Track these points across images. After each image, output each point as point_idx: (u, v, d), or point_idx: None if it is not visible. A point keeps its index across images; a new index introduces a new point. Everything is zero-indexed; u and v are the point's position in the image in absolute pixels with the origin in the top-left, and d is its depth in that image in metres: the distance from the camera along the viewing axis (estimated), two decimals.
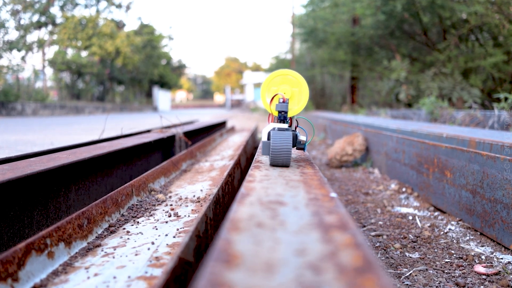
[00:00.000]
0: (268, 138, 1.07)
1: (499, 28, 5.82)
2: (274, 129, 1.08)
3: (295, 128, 1.17)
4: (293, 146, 1.08)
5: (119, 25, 18.29)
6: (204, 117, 10.71)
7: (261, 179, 0.84)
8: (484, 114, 3.45)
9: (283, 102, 1.10)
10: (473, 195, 1.61)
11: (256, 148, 3.23)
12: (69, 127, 5.16)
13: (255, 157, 1.20)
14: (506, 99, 3.24)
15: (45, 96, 12.08)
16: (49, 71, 16.35)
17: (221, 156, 2.52)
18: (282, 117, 1.08)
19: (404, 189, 2.26)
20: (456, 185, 1.75)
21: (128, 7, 16.63)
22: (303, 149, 1.12)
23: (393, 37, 8.27)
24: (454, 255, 1.38)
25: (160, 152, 2.49)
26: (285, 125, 1.08)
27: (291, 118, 1.16)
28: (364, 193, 2.25)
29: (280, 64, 16.49)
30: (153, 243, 1.00)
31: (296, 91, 1.13)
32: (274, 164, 1.02)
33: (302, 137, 1.11)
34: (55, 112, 10.76)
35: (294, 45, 16.60)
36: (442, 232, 1.59)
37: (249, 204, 0.64)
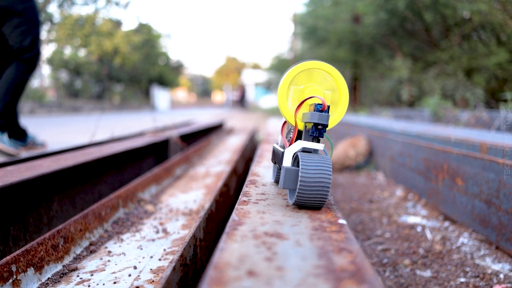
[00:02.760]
0: (294, 164, 0.72)
1: (502, 27, 5.71)
2: (303, 150, 0.73)
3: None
4: None
5: (118, 24, 18.16)
6: (202, 116, 10.61)
7: (256, 200, 0.72)
8: (490, 115, 3.33)
9: (323, 110, 0.71)
10: (488, 206, 1.50)
11: (254, 150, 3.10)
12: (65, 127, 5.05)
13: (251, 169, 1.06)
14: None
15: (42, 95, 11.97)
16: (47, 70, 16.23)
17: (218, 160, 2.41)
18: (318, 132, 0.71)
19: (411, 196, 2.15)
20: (468, 193, 1.63)
21: (126, 5, 16.48)
22: None
23: (395, 36, 8.15)
24: (470, 273, 1.26)
25: (153, 157, 2.38)
26: (321, 146, 0.72)
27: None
28: (369, 200, 2.14)
29: (280, 64, 16.35)
30: (135, 267, 0.89)
31: (329, 93, 0.76)
32: (301, 205, 0.69)
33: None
34: (53, 111, 10.67)
35: (295, 44, 16.47)
36: (454, 246, 1.48)
37: (240, 238, 0.52)
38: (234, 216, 0.60)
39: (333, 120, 0.78)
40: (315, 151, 0.73)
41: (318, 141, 0.73)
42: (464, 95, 5.75)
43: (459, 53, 6.53)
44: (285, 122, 0.86)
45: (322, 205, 0.70)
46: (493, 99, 5.80)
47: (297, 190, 0.66)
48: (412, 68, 7.23)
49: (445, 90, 6.01)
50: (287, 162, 0.72)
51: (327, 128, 0.73)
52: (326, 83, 0.78)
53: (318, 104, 0.71)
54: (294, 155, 0.72)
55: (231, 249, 0.48)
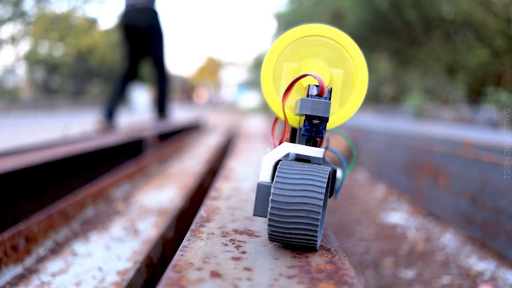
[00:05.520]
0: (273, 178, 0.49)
1: (484, 26, 5.79)
2: (297, 159, 0.49)
3: (324, 153, 0.56)
4: (330, 196, 0.54)
5: (94, 22, 17.90)
6: (181, 115, 10.52)
7: (228, 195, 0.68)
8: (471, 111, 3.36)
9: (320, 94, 0.48)
10: (472, 203, 1.49)
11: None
12: (37, 127, 4.92)
13: (225, 164, 1.01)
14: (494, 95, 3.15)
15: (15, 92, 11.71)
16: (22, 67, 15.89)
17: (196, 159, 2.36)
18: (313, 130, 0.48)
19: (393, 194, 2.13)
20: (452, 191, 1.62)
21: (102, 2, 16.34)
22: (336, 192, 0.58)
23: (377, 33, 8.22)
24: (454, 272, 1.24)
25: (127, 155, 2.31)
26: (316, 151, 0.49)
27: None
28: (351, 199, 2.11)
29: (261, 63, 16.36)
30: (100, 269, 0.84)
31: (339, 73, 0.53)
32: (278, 241, 0.46)
33: (337, 172, 0.59)
34: (28, 109, 10.43)
35: None
36: (438, 244, 1.46)
37: (207, 235, 0.47)
38: (202, 212, 0.56)
39: (343, 113, 0.54)
40: (317, 159, 0.49)
41: (315, 144, 0.50)
42: (446, 93, 5.82)
43: (440, 52, 6.60)
44: (277, 119, 0.60)
45: (311, 243, 0.44)
46: (475, 95, 5.88)
47: (268, 218, 0.44)
48: (394, 65, 7.29)
49: (427, 88, 6.08)
50: (264, 175, 0.49)
51: (331, 125, 0.52)
52: (336, 59, 0.54)
53: (313, 86, 0.48)
54: (276, 165, 0.48)
55: (195, 247, 0.43)
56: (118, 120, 3.18)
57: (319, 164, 0.48)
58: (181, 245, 0.44)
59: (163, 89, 3.36)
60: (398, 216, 1.79)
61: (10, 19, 14.45)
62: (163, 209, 1.32)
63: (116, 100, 3.07)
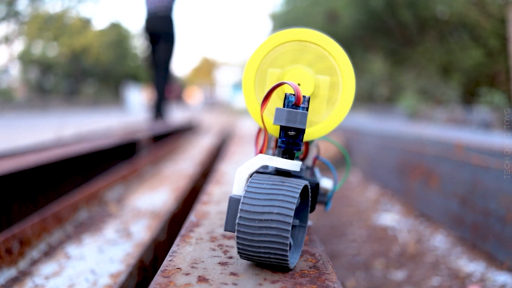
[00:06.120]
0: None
1: (479, 26, 5.84)
2: (277, 172, 0.48)
3: (313, 163, 0.60)
4: (311, 211, 0.50)
5: (88, 22, 17.86)
6: (176, 116, 10.50)
7: (219, 200, 0.69)
8: (465, 112, 3.39)
9: (296, 104, 0.46)
10: (463, 205, 1.51)
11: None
12: (31, 128, 4.91)
13: (217, 168, 1.03)
14: (488, 96, 3.18)
15: (8, 92, 11.67)
16: (16, 67, 15.84)
17: (191, 161, 2.37)
18: (290, 143, 0.46)
19: (386, 195, 2.15)
20: (443, 193, 1.64)
21: (96, 1, 16.35)
22: (325, 203, 0.61)
23: (372, 33, 8.26)
24: (444, 273, 1.26)
25: (121, 158, 2.32)
26: (292, 164, 0.46)
27: (306, 144, 0.58)
28: (343, 200, 2.13)
29: None
30: (93, 271, 0.85)
31: (325, 80, 0.52)
32: (247, 258, 0.43)
33: (325, 182, 0.61)
34: (21, 110, 10.40)
35: None
36: (429, 246, 1.48)
37: (195, 240, 0.49)
38: (192, 217, 0.57)
39: (330, 121, 0.51)
40: (299, 172, 0.48)
41: (291, 157, 0.47)
42: (440, 93, 5.86)
43: (435, 52, 6.64)
44: (258, 133, 0.59)
45: (282, 263, 0.41)
46: (469, 95, 5.92)
47: (236, 234, 0.41)
48: (388, 65, 7.33)
49: (421, 89, 6.11)
50: (237, 188, 0.46)
51: (314, 138, 0.50)
52: (322, 65, 0.52)
53: (290, 95, 0.46)
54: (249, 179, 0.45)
55: (184, 252, 0.44)
56: (112, 121, 3.21)
57: (300, 177, 0.47)
58: (170, 250, 0.45)
59: (163, 90, 3.57)
60: (390, 217, 1.81)
61: (3, 19, 14.39)
62: (156, 212, 1.33)
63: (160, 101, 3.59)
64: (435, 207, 1.70)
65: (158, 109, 3.62)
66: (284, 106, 0.45)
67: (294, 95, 0.45)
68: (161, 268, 0.40)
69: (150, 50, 3.51)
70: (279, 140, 0.46)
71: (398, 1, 6.92)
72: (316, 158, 0.60)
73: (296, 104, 0.45)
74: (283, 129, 0.45)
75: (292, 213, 0.40)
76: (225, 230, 0.44)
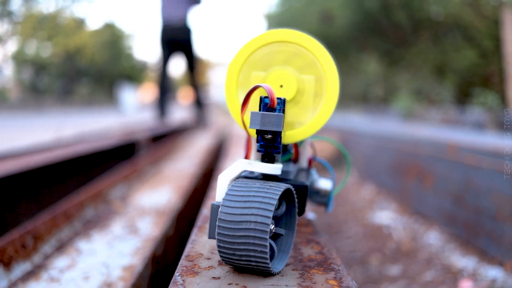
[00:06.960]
0: None
1: (473, 27, 5.92)
2: (264, 177, 0.48)
3: (309, 163, 0.60)
4: (300, 214, 0.49)
5: (82, 22, 17.84)
6: (173, 116, 10.51)
7: None
8: (459, 112, 3.45)
9: (271, 107, 0.46)
10: (456, 203, 1.56)
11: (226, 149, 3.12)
12: (25, 128, 4.93)
13: (221, 166, 1.08)
14: (481, 97, 3.25)
15: (2, 92, 11.64)
16: (9, 67, 15.78)
17: (191, 160, 2.41)
18: (269, 147, 0.46)
19: (381, 194, 2.21)
20: (437, 191, 1.69)
21: (90, 1, 16.33)
22: (325, 205, 0.63)
23: (366, 34, 8.33)
24: (437, 268, 1.31)
25: (121, 158, 2.36)
26: (274, 168, 0.46)
27: (295, 145, 0.57)
28: (339, 199, 2.18)
29: None
30: (106, 265, 0.89)
31: (310, 80, 0.51)
32: (230, 264, 0.43)
33: (323, 183, 0.62)
34: (15, 110, 10.38)
35: None
36: (423, 242, 1.53)
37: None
38: (205, 210, 0.62)
39: (316, 121, 0.50)
40: (287, 174, 0.49)
41: (271, 160, 0.46)
42: (434, 93, 5.93)
43: (429, 53, 6.71)
44: (247, 139, 0.57)
45: (263, 268, 0.41)
46: (463, 96, 5.99)
47: (216, 240, 0.41)
48: (383, 65, 7.39)
49: (415, 89, 6.18)
50: (219, 194, 0.46)
51: (298, 139, 0.50)
52: (305, 65, 0.51)
53: (265, 97, 0.46)
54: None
55: (202, 241, 0.49)
56: (110, 121, 3.23)
57: (286, 180, 0.48)
58: (189, 239, 0.50)
59: (166, 90, 3.82)
60: (385, 215, 1.87)
61: None
62: (161, 210, 1.37)
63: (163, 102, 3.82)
64: (429, 206, 1.75)
65: (161, 108, 3.82)
66: (260, 110, 0.45)
67: (270, 97, 0.45)
68: (184, 253, 0.45)
69: (165, 58, 3.70)
70: (258, 144, 0.46)
71: (392, 2, 6.99)
72: (313, 159, 0.60)
73: (271, 106, 0.45)
74: (260, 133, 0.45)
75: (269, 220, 0.39)
76: (209, 237, 0.44)
